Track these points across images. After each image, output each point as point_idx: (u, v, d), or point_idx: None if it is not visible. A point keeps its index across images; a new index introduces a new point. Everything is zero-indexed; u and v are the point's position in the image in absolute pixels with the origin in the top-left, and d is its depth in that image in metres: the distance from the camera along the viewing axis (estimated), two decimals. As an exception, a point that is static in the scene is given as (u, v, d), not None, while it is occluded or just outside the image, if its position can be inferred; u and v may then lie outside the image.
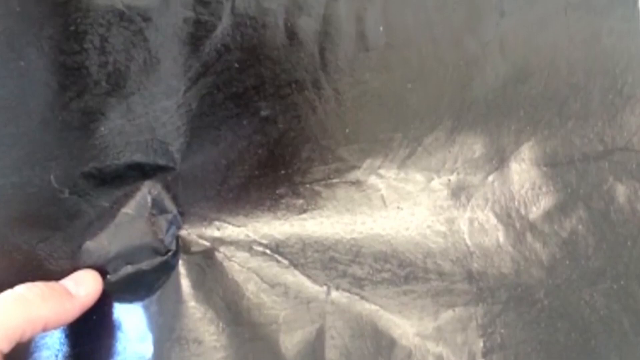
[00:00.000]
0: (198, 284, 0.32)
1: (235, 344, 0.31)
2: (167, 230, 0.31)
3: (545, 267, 0.33)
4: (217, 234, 0.32)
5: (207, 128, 0.31)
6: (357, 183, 0.33)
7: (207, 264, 0.32)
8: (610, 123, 0.33)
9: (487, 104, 0.33)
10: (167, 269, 0.32)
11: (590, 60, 0.33)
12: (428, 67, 0.33)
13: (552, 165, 0.33)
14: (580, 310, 0.33)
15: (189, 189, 0.32)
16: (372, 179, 0.33)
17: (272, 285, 0.32)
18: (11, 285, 0.28)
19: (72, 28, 0.29)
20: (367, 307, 0.32)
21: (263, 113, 0.32)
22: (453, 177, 0.33)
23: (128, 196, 0.31)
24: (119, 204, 0.31)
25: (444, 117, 0.33)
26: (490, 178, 0.33)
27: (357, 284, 0.32)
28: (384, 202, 0.33)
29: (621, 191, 0.33)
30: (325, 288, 0.32)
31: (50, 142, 0.30)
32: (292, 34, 0.31)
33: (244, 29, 0.31)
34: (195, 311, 0.31)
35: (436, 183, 0.33)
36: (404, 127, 0.33)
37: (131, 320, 0.32)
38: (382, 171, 0.33)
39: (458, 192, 0.33)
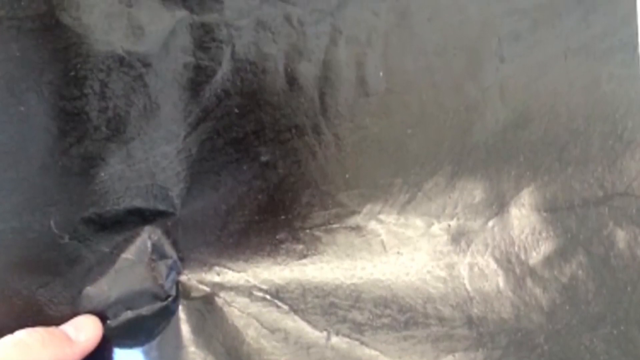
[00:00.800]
0: (198, 330, 0.32)
1: (236, 389, 0.32)
2: (167, 276, 0.31)
3: (545, 312, 0.33)
4: (217, 279, 0.32)
5: (207, 173, 0.31)
6: (357, 228, 0.33)
7: (207, 309, 0.32)
8: (610, 168, 0.33)
9: (487, 150, 0.33)
10: (167, 314, 0.32)
11: (590, 105, 0.33)
12: (428, 112, 0.33)
13: (552, 211, 0.33)
14: (581, 355, 0.33)
15: (189, 234, 0.32)
16: (372, 224, 0.33)
17: (272, 331, 0.32)
18: (11, 330, 0.28)
19: (72, 73, 0.29)
20: (367, 353, 0.32)
21: (263, 158, 0.32)
22: (453, 223, 0.33)
23: (128, 241, 0.31)
24: (119, 249, 0.31)
25: (444, 162, 0.33)
26: (490, 223, 0.33)
27: (357, 329, 0.32)
28: (384, 248, 0.33)
29: (621, 237, 0.33)
30: (325, 333, 0.32)
31: (50, 187, 0.30)
32: (292, 80, 0.31)
33: (244, 74, 0.31)
34: (196, 357, 0.31)
35: (436, 228, 0.33)
36: (404, 173, 0.33)
37: (131, 365, 0.32)
38: (382, 216, 0.33)
39: (458, 238, 0.33)
